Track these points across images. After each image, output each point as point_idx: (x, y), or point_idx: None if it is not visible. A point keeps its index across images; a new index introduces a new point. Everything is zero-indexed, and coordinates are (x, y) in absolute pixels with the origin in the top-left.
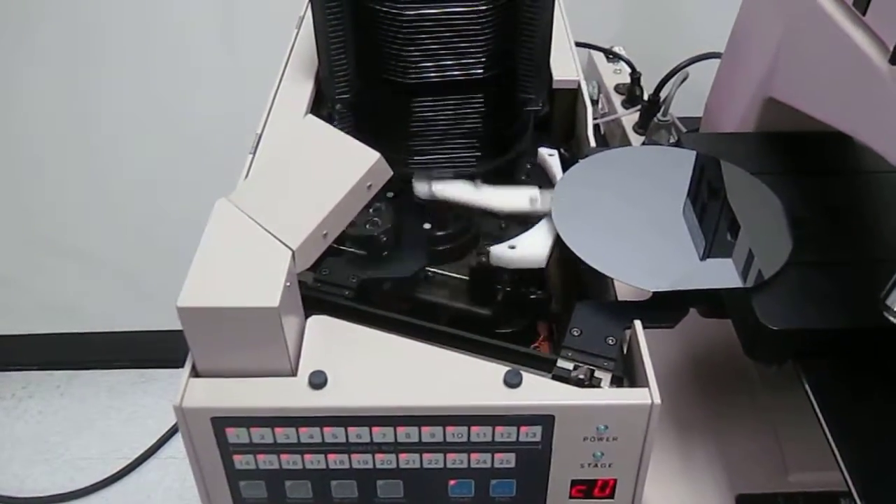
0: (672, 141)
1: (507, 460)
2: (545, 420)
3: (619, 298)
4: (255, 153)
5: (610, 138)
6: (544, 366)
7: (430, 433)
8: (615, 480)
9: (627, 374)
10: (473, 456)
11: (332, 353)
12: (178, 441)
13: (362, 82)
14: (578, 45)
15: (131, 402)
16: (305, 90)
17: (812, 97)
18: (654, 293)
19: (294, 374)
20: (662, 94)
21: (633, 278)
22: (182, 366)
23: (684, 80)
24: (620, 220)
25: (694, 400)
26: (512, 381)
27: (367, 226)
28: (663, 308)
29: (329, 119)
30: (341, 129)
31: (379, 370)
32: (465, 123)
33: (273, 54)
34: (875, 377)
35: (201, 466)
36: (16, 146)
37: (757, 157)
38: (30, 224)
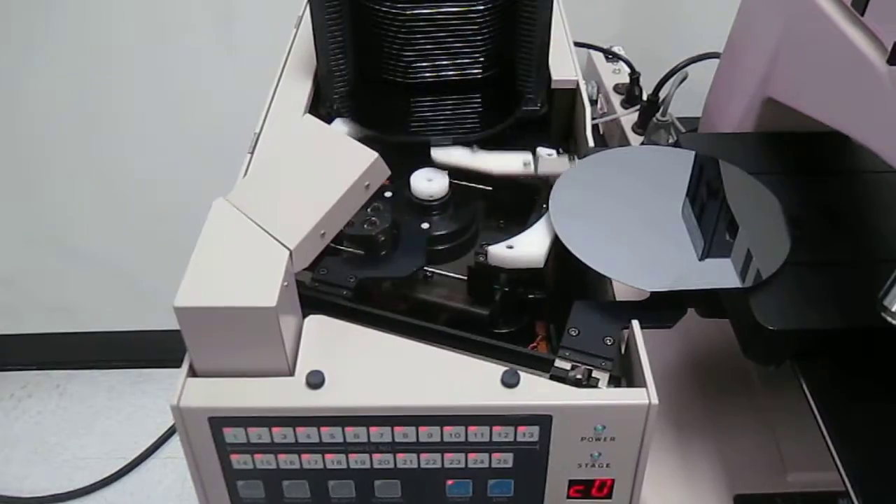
0: (671, 141)
1: (504, 460)
2: (543, 420)
3: (618, 298)
4: (253, 153)
5: (609, 138)
6: (542, 366)
7: (428, 433)
8: (613, 480)
9: (625, 374)
10: (471, 456)
11: (329, 352)
12: (177, 441)
13: (361, 82)
14: (577, 45)
15: (130, 402)
16: (304, 90)
17: (810, 97)
18: (652, 293)
19: (291, 373)
20: (661, 94)
21: (631, 278)
22: (181, 366)
23: (683, 80)
24: (618, 220)
25: (692, 400)
26: (509, 381)
27: (366, 225)
28: (661, 308)
29: (327, 119)
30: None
31: (376, 370)
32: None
33: (273, 54)
34: (873, 377)
35: (199, 466)
36: (16, 147)
37: (755, 157)
38: (29, 224)
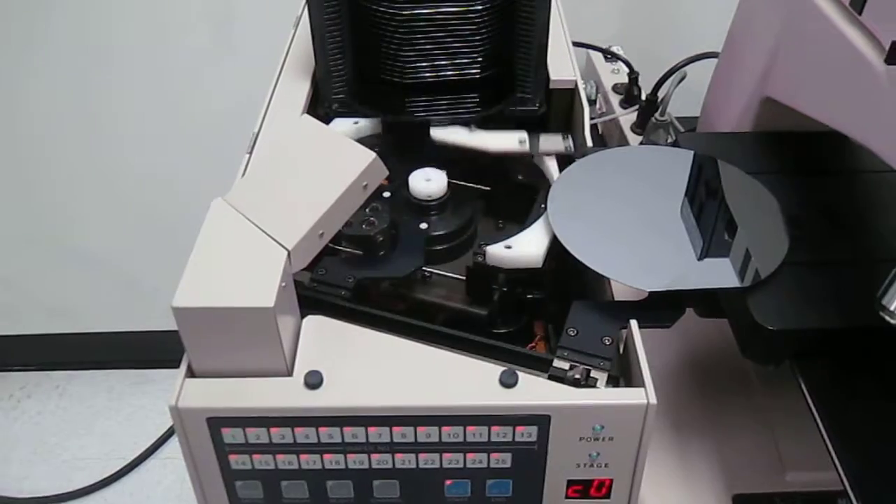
0: (670, 141)
1: (503, 460)
2: (541, 420)
3: (616, 298)
4: (251, 153)
5: (608, 138)
6: (540, 366)
7: (426, 433)
8: (611, 480)
9: (623, 374)
10: (469, 456)
11: (327, 353)
12: (176, 441)
13: (359, 82)
14: (576, 44)
15: (130, 402)
16: (302, 90)
17: (809, 97)
18: (651, 293)
19: (290, 374)
20: (660, 94)
21: (629, 278)
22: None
23: (682, 79)
24: (617, 219)
25: (691, 400)
26: (508, 381)
27: (364, 226)
28: (660, 308)
29: (325, 119)
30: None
31: (375, 370)
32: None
33: (273, 54)
34: (871, 377)
35: (197, 467)
36: (15, 147)
37: (754, 156)
38: (28, 225)
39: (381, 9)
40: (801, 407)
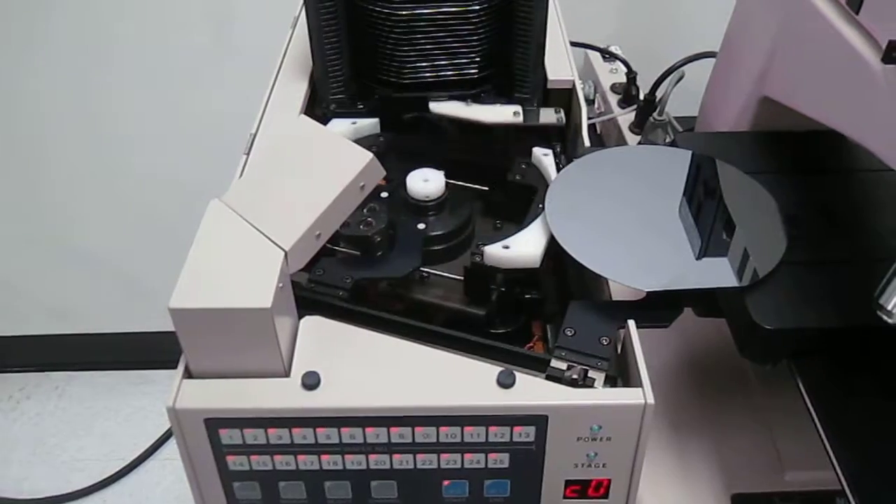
0: (668, 140)
1: (500, 460)
2: (539, 420)
3: (614, 298)
4: (248, 154)
5: (606, 138)
6: (538, 366)
7: (424, 434)
8: (609, 480)
9: (621, 374)
10: (467, 456)
11: (325, 353)
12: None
13: (357, 83)
14: (575, 44)
15: (129, 403)
16: (300, 91)
17: (806, 96)
18: (649, 293)
19: (287, 374)
20: (658, 94)
21: (627, 278)
22: None
23: (680, 79)
24: (615, 219)
25: (689, 399)
26: (505, 382)
27: (361, 226)
28: (658, 308)
29: (323, 119)
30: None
31: (372, 371)
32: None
33: (273, 54)
34: (869, 376)
35: (195, 468)
36: (15, 147)
37: (752, 156)
38: (28, 225)
39: (378, 8)
40: (800, 406)
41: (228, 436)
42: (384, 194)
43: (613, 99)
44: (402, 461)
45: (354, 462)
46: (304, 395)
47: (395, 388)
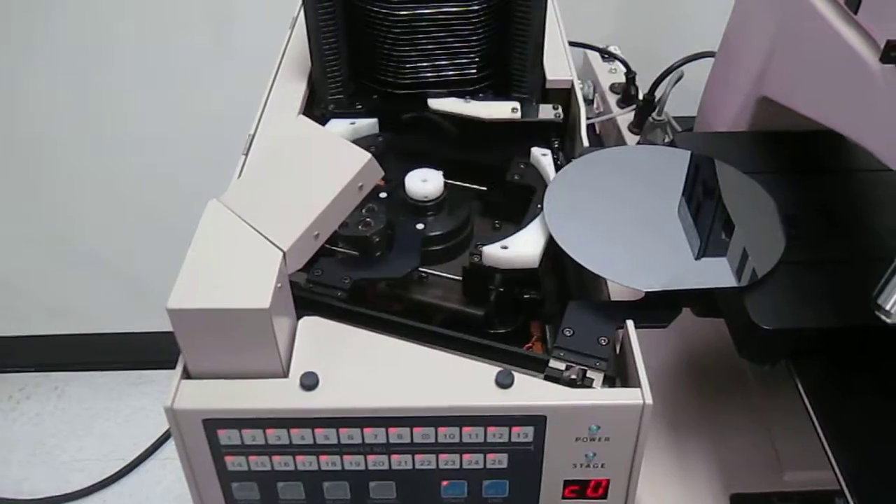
0: (667, 140)
1: (499, 461)
2: (537, 420)
3: (612, 298)
4: (247, 154)
5: (605, 138)
6: (536, 366)
7: (423, 434)
8: (608, 481)
9: (620, 375)
10: (466, 457)
11: (323, 354)
12: None
13: (355, 83)
14: (574, 44)
15: (129, 403)
16: (298, 91)
17: (805, 96)
18: (647, 293)
19: (286, 375)
20: (657, 94)
21: (625, 278)
22: None
23: (679, 79)
24: (613, 219)
25: (687, 399)
26: (503, 382)
27: (360, 226)
28: (656, 308)
29: (322, 120)
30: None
31: (371, 371)
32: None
33: (273, 55)
34: (868, 376)
35: (193, 468)
36: (14, 147)
37: (750, 156)
38: (28, 225)
39: (376, 8)
40: (799, 406)
41: (227, 436)
42: (383, 195)
43: (612, 99)
44: (401, 461)
45: (353, 462)
46: (303, 396)
47: (394, 388)
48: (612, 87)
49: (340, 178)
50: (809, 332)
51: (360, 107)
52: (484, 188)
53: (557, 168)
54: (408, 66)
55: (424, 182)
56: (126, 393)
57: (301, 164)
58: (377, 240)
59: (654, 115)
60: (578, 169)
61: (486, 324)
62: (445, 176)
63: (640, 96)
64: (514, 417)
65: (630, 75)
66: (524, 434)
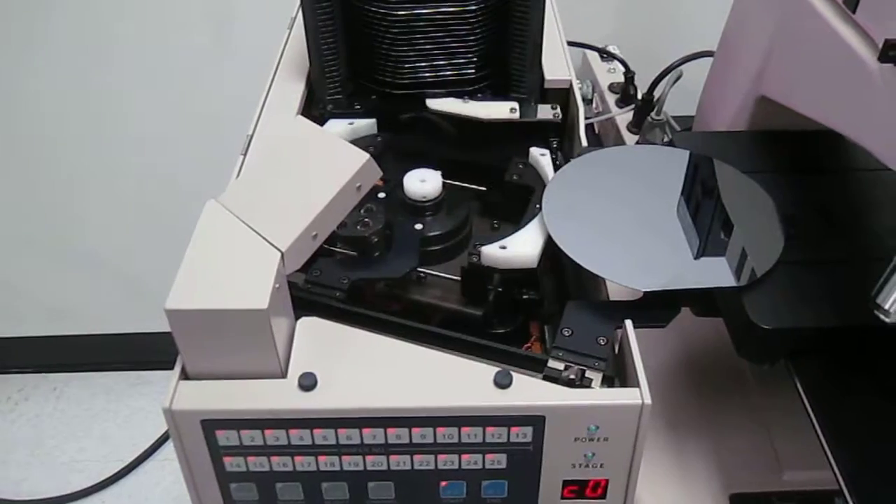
0: (666, 140)
1: (498, 461)
2: (536, 420)
3: (611, 298)
4: (245, 154)
5: (604, 137)
6: (535, 366)
7: (421, 434)
8: (607, 481)
9: (618, 374)
10: (464, 457)
11: (322, 354)
12: None
13: (353, 83)
14: (572, 44)
15: (128, 404)
16: (297, 91)
17: (803, 95)
18: (646, 293)
19: (284, 375)
20: (656, 93)
21: (624, 278)
22: None
23: (678, 78)
24: (612, 219)
25: (687, 399)
26: (502, 382)
27: (359, 227)
28: (655, 307)
29: (320, 120)
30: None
31: (369, 371)
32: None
33: (273, 55)
34: (866, 375)
35: (192, 469)
36: (15, 148)
37: (749, 155)
38: (28, 225)
39: (374, 9)
40: (798, 406)
41: (225, 437)
42: (381, 195)
43: (611, 98)
44: (400, 462)
45: (351, 463)
46: (301, 396)
47: (393, 388)
48: (611, 87)
49: (339, 178)
50: (808, 331)
51: (358, 107)
52: (482, 188)
53: (556, 168)
54: (406, 66)
55: (423, 182)
56: (125, 394)
57: (299, 165)
58: (376, 240)
59: (652, 114)
60: (577, 169)
61: (484, 324)
62: (444, 176)
63: (639, 96)
64: (512, 417)
65: (629, 75)
66: (523, 434)
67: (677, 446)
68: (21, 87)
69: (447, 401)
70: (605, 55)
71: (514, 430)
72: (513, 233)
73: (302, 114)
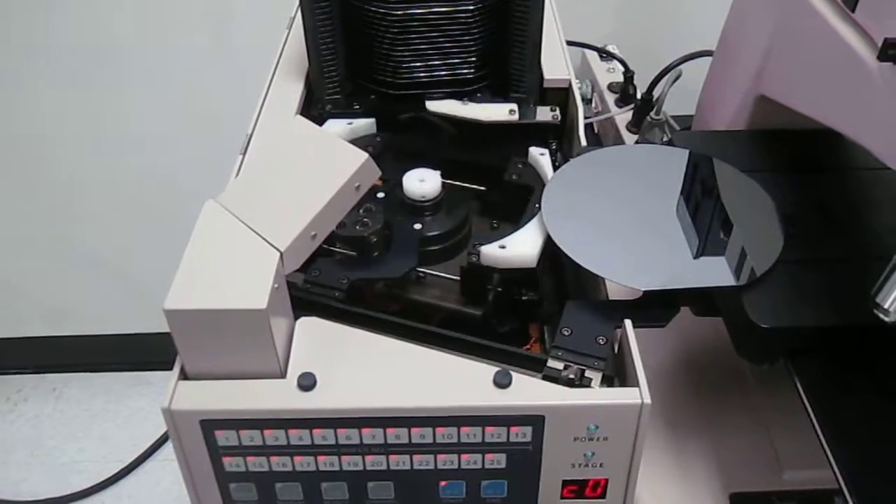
0: (665, 139)
1: (497, 461)
2: (535, 420)
3: (611, 298)
4: (244, 154)
5: (603, 137)
6: (534, 366)
7: (421, 434)
8: (606, 480)
9: (618, 374)
10: (464, 457)
11: (321, 354)
12: None
13: (352, 83)
14: (572, 43)
15: (128, 404)
16: (296, 91)
17: (803, 94)
18: (645, 292)
19: (283, 375)
20: (655, 93)
21: (623, 277)
22: None
23: (677, 78)
24: (611, 219)
25: (686, 399)
26: (501, 382)
27: (358, 227)
28: (654, 307)
29: (319, 120)
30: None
31: (369, 371)
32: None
33: (273, 55)
34: (866, 374)
35: (191, 469)
36: (15, 148)
37: (748, 154)
38: (28, 225)
39: (374, 9)
40: (797, 405)
41: (224, 437)
42: (380, 195)
43: (611, 98)
44: (399, 462)
45: (351, 463)
46: (301, 397)
47: (392, 388)
48: (611, 87)
49: (338, 178)
50: (808, 330)
51: (357, 107)
52: (482, 188)
53: (555, 167)
54: (405, 66)
55: (422, 182)
56: (125, 394)
57: (298, 165)
58: (375, 240)
59: (652, 114)
60: (576, 168)
61: (484, 324)
62: (443, 176)
63: (639, 95)
64: (512, 417)
65: (628, 74)
66: (522, 434)
67: (677, 446)
68: (21, 87)
69: (446, 401)
70: (605, 55)
71: (514, 429)
72: (512, 232)
73: (301, 114)
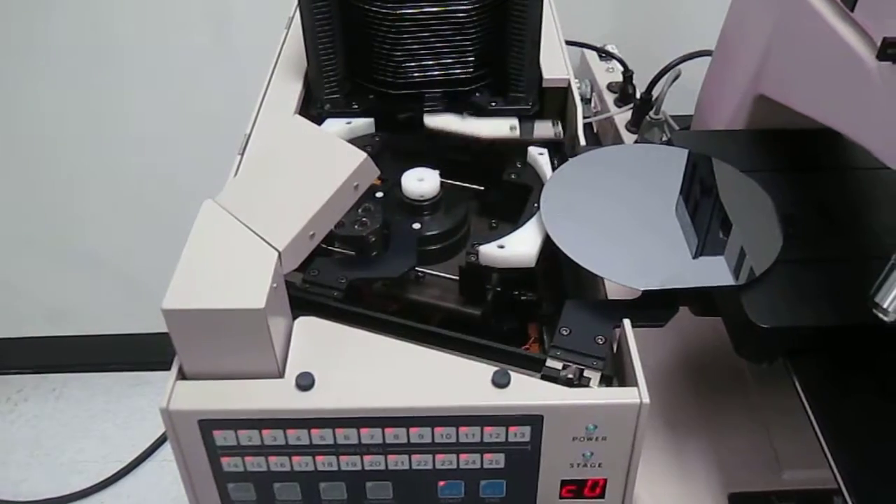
0: (664, 139)
1: (496, 461)
2: (534, 420)
3: (609, 297)
4: (243, 154)
5: (603, 137)
6: (533, 365)
7: (419, 434)
8: (605, 480)
9: (617, 374)
10: (462, 457)
11: (319, 354)
12: None
13: (351, 82)
14: (571, 43)
15: (127, 405)
16: (294, 91)
17: (802, 94)
18: (644, 292)
19: (281, 375)
20: (654, 93)
21: (622, 277)
22: None
23: (676, 77)
24: (610, 218)
25: (685, 399)
26: (500, 382)
27: (356, 226)
28: (653, 307)
29: (317, 119)
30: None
31: (367, 371)
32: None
33: (273, 54)
34: (865, 374)
35: (189, 469)
36: (15, 148)
37: (748, 154)
38: (28, 225)
39: (373, 9)
40: (797, 405)
41: (223, 437)
42: (379, 194)
43: (610, 98)
44: (398, 462)
45: (349, 463)
46: (299, 396)
47: (390, 388)
48: (610, 86)
49: (336, 177)
50: (807, 330)
51: (356, 106)
52: (481, 187)
53: (554, 167)
54: (404, 65)
55: (421, 181)
56: (125, 394)
57: (297, 164)
58: (373, 239)
59: (651, 113)
60: (575, 168)
61: (482, 323)
62: (442, 175)
63: (638, 95)
64: (510, 417)
65: (627, 74)
66: (521, 434)
67: (676, 446)
68: (21, 87)
69: (445, 400)
70: (604, 54)
71: (513, 429)
72: (511, 232)
73: (299, 113)
